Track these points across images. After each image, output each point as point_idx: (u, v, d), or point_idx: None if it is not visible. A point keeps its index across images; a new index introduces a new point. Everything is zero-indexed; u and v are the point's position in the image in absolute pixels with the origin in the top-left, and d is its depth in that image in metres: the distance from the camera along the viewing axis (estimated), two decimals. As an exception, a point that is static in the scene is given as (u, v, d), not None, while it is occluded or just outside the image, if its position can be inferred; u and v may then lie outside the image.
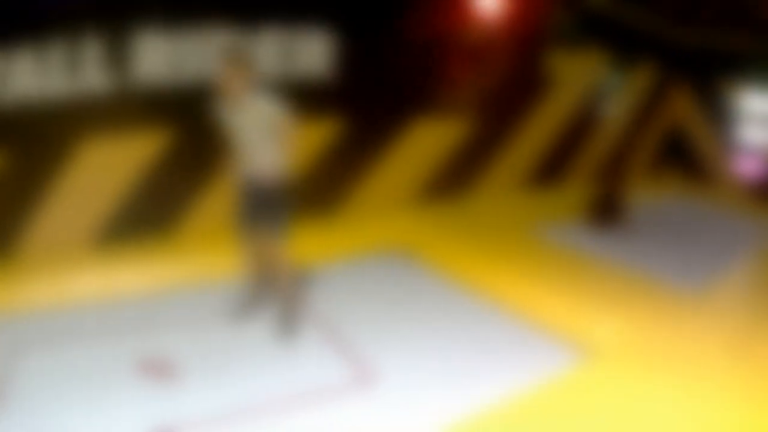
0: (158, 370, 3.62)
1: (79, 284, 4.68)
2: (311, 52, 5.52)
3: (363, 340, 3.98)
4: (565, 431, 3.22)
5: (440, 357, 3.83)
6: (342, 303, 4.46)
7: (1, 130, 4.63)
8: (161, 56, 4.95)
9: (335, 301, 4.48)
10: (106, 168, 5.01)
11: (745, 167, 7.68)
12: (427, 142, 6.43)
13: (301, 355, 3.83)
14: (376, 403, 3.39)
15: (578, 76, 7.35)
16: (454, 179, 6.82)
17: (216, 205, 5.38)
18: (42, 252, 4.97)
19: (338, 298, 4.53)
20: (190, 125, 5.09)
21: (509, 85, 6.75)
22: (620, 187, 6.70)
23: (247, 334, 4.04)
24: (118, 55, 4.79)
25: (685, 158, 8.40)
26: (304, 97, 4.67)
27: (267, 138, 3.79)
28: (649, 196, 7.51)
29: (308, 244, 4.97)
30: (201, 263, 5.05)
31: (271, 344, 3.94)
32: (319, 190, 5.92)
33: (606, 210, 6.32)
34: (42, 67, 4.61)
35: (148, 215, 5.30)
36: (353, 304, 4.47)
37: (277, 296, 4.14)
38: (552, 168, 7.66)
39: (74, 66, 4.69)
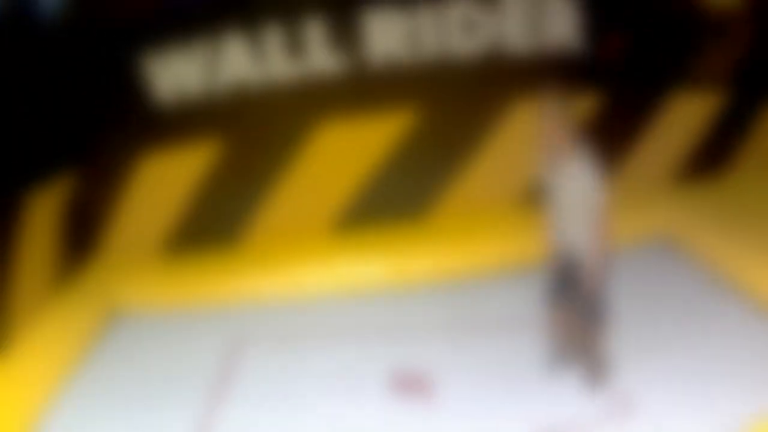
0: (412, 385, 3.42)
1: (313, 276, 4.57)
2: (559, 22, 4.86)
3: (623, 355, 3.52)
4: None
5: (705, 373, 3.36)
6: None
7: (219, 117, 4.66)
8: (396, 32, 4.63)
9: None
10: (341, 153, 4.82)
11: None
12: (685, 117, 5.73)
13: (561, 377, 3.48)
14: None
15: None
16: (710, 159, 6.05)
17: (467, 191, 5.02)
18: (272, 242, 4.88)
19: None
20: (434, 104, 4.77)
21: (756, 55, 5.85)
22: None
23: (507, 348, 3.69)
24: (346, 33, 4.59)
25: None
26: (555, 71, 4.36)
27: (583, 213, 3.28)
28: None
29: None
30: (453, 254, 4.60)
31: (528, 362, 3.57)
32: None
33: None
34: (259, 51, 4.54)
35: (391, 202, 4.99)
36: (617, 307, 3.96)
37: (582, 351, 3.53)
38: None
39: (296, 48, 4.57)
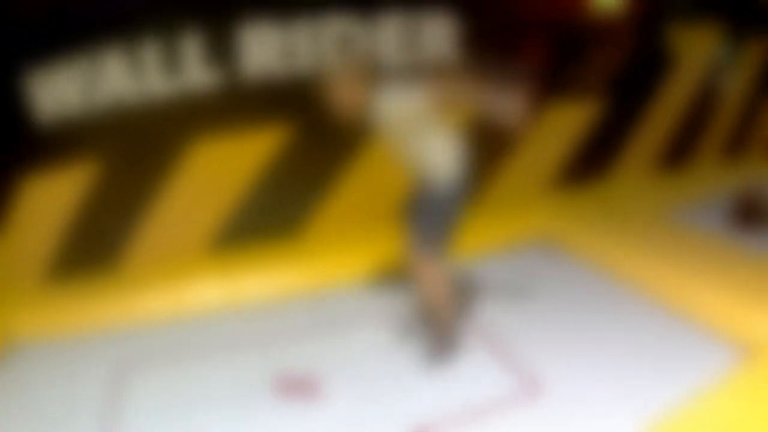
0: (300, 387, 3.50)
1: (195, 294, 4.58)
2: (435, 36, 5.08)
3: (520, 342, 3.78)
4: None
5: (601, 359, 3.58)
6: (490, 299, 4.30)
7: (97, 136, 4.54)
8: (271, 47, 4.67)
9: (484, 297, 4.31)
10: (218, 170, 4.81)
11: None
12: (562, 125, 6.13)
13: (458, 362, 3.63)
14: (546, 414, 3.17)
15: (698, 53, 6.87)
16: (588, 164, 6.49)
17: (339, 206, 5.19)
18: (153, 261, 4.84)
19: (485, 293, 4.37)
20: (308, 120, 4.80)
21: (634, 64, 6.41)
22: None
23: (387, 343, 3.88)
24: (221, 49, 4.59)
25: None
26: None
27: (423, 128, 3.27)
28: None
29: None
30: (326, 268, 4.84)
31: (412, 354, 3.74)
32: None
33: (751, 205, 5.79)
34: (136, 68, 4.47)
35: (266, 218, 5.08)
36: (501, 299, 4.29)
37: (428, 318, 3.73)
38: (679, 149, 7.21)
39: (172, 64, 4.53)
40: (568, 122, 6.18)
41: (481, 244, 5.07)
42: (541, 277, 4.65)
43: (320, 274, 4.75)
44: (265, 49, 4.67)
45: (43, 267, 4.79)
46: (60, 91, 4.44)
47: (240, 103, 4.70)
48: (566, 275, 4.67)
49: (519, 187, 5.94)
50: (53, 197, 4.61)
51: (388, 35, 4.89)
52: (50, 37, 4.36)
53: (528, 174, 6.06)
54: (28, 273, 4.75)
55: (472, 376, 3.51)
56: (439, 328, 3.67)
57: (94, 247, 4.80)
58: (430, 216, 3.41)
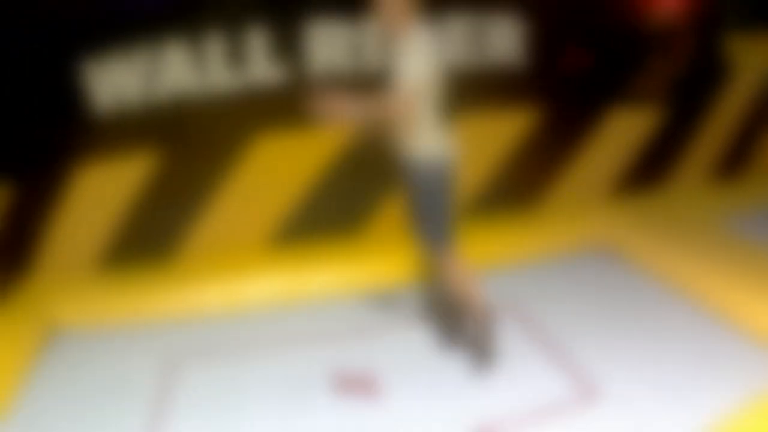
0: (359, 385, 3.41)
1: (252, 288, 4.51)
2: (502, 38, 4.99)
3: (577, 347, 3.70)
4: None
5: (656, 366, 3.51)
6: (548, 306, 4.21)
7: (157, 128, 4.51)
8: (338, 44, 4.61)
9: (540, 304, 4.22)
10: (280, 165, 4.73)
11: None
12: (622, 133, 5.99)
13: (515, 366, 3.53)
14: (602, 418, 3.11)
15: (756, 62, 6.68)
16: (646, 172, 6.34)
17: (400, 204, 4.95)
18: (210, 255, 4.77)
19: (543, 300, 4.28)
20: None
21: (692, 72, 6.26)
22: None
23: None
24: (287, 44, 4.53)
25: None
26: (495, 86, 4.42)
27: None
28: None
29: (503, 243, 4.88)
30: (388, 266, 4.71)
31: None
32: (512, 186, 5.55)
33: None
34: (199, 60, 4.45)
35: (327, 216, 4.97)
36: (559, 306, 4.20)
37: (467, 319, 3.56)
38: (737, 157, 6.97)
39: (237, 57, 4.49)
40: (628, 130, 6.04)
41: (539, 249, 5.01)
42: (599, 283, 4.58)
43: (382, 272, 4.63)
44: (331, 45, 4.61)
45: (97, 256, 4.77)
46: (120, 81, 4.44)
47: (305, 100, 4.59)
48: (623, 282, 4.59)
49: (579, 194, 5.84)
50: (110, 187, 4.59)
51: (455, 36, 4.81)
52: (110, 27, 4.38)
53: (588, 181, 5.94)
54: (80, 261, 4.73)
55: (530, 379, 3.45)
56: (476, 322, 3.50)
57: (150, 239, 4.77)
58: (431, 213, 3.30)
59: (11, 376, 3.63)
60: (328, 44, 4.62)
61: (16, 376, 3.65)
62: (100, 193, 4.59)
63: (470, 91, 4.74)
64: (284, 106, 4.56)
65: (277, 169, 4.75)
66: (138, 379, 3.60)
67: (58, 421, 3.31)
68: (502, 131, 5.27)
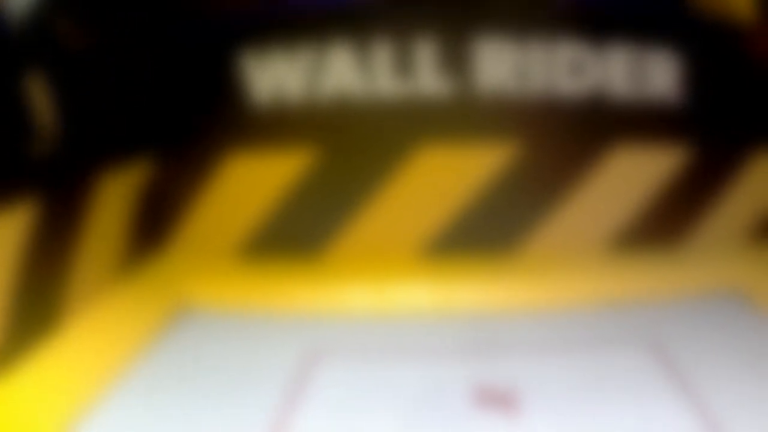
0: (500, 401, 3.25)
1: (400, 295, 4.43)
2: (661, 72, 4.93)
3: (707, 390, 3.45)
4: None
5: None
6: (683, 348, 3.95)
7: (317, 126, 4.55)
8: (505, 64, 4.63)
9: (677, 345, 3.98)
10: (441, 178, 4.69)
11: None
12: (763, 173, 5.64)
13: (652, 403, 3.33)
14: None
15: None
16: None
17: (564, 225, 4.91)
18: (358, 258, 4.70)
19: (679, 342, 4.04)
20: (536, 141, 4.69)
21: None
22: None
23: (600, 371, 3.59)
24: (456, 58, 4.56)
25: None
26: (654, 121, 4.41)
27: None
28: None
29: (642, 280, 4.75)
30: (547, 288, 4.60)
31: (623, 387, 3.45)
32: (658, 224, 5.33)
33: None
34: (365, 65, 4.49)
35: (486, 232, 4.85)
36: (693, 349, 3.95)
37: None
38: None
39: (404, 66, 4.53)
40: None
41: (673, 291, 4.78)
42: (730, 327, 4.33)
43: (540, 293, 4.51)
44: (499, 64, 4.63)
45: (239, 244, 4.75)
46: (280, 76, 4.50)
47: (470, 115, 4.63)
48: (754, 329, 4.32)
49: (715, 238, 5.54)
50: (262, 178, 4.61)
51: (616, 65, 4.79)
52: (271, 22, 4.49)
53: (726, 226, 5.61)
54: (222, 246, 4.71)
55: (662, 417, 3.21)
56: None
57: (297, 236, 4.73)
58: None
59: (135, 345, 3.60)
60: (495, 63, 4.62)
61: (140, 347, 3.61)
62: (252, 184, 4.61)
63: (626, 123, 4.81)
64: (449, 120, 4.62)
65: (435, 182, 4.70)
66: (267, 368, 3.49)
67: (178, 396, 3.23)
68: (654, 166, 5.11)
